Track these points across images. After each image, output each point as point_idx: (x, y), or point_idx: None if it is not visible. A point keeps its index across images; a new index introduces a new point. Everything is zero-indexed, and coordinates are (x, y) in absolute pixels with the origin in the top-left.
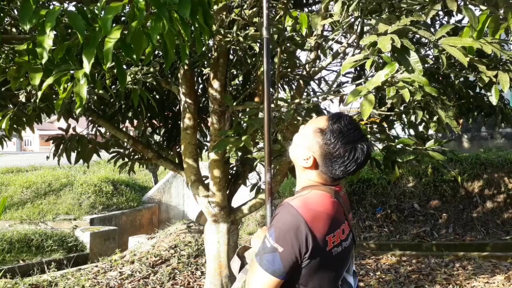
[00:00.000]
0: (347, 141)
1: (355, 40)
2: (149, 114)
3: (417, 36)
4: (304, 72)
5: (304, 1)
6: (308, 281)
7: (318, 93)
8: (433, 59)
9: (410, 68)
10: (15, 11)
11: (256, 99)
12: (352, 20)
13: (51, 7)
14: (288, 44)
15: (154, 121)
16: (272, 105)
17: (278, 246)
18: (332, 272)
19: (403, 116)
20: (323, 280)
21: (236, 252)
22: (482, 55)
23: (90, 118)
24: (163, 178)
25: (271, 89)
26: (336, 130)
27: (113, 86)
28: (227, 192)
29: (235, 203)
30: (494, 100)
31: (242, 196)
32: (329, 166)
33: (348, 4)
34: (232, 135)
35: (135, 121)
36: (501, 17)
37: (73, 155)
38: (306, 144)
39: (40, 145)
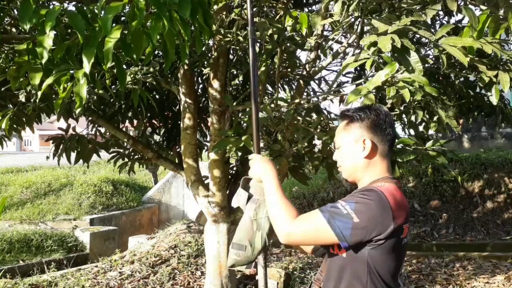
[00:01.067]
0: (362, 108)
1: (355, 40)
2: (149, 114)
3: (417, 36)
4: (304, 72)
5: (304, 1)
6: (382, 261)
7: (318, 93)
8: (433, 59)
9: (410, 68)
10: (15, 10)
11: None
12: (352, 20)
13: (51, 6)
14: (288, 44)
15: (154, 121)
16: (272, 105)
17: (355, 217)
18: (399, 260)
19: (403, 116)
20: (392, 264)
21: (240, 185)
22: (482, 55)
23: (90, 118)
24: (163, 178)
25: (271, 89)
26: (353, 110)
27: (113, 86)
28: (227, 192)
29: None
30: (494, 100)
31: None
32: (381, 130)
33: (348, 4)
34: (232, 135)
35: (135, 121)
36: (501, 17)
37: (73, 155)
38: (353, 140)
39: (40, 145)
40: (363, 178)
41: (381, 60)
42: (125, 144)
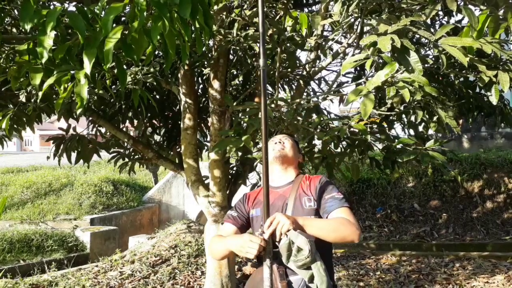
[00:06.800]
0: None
1: (355, 40)
2: (149, 114)
3: (417, 36)
4: (304, 72)
5: (304, 1)
6: None
7: (318, 93)
8: (433, 59)
9: (410, 68)
10: (16, 11)
11: (256, 99)
12: (352, 20)
13: (51, 7)
14: (288, 44)
15: (154, 121)
16: (272, 105)
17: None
18: None
19: (403, 116)
20: None
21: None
22: (482, 55)
23: (90, 118)
24: (163, 178)
25: (271, 89)
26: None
27: (113, 86)
28: (227, 192)
29: (235, 203)
30: (494, 100)
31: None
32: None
33: (348, 4)
34: (232, 135)
35: (135, 121)
36: (500, 17)
37: (74, 155)
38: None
39: (40, 145)
40: (294, 169)
41: (381, 60)
42: (126, 144)
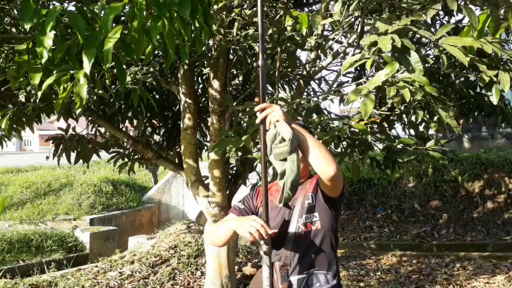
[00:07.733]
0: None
1: (356, 40)
2: (149, 114)
3: (418, 36)
4: (304, 72)
5: (304, 1)
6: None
7: (318, 93)
8: (434, 58)
9: (410, 67)
10: (15, 10)
11: (256, 99)
12: (353, 19)
13: (51, 6)
14: (288, 44)
15: (154, 121)
16: None
17: None
18: None
19: (404, 116)
20: None
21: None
22: (482, 55)
23: (90, 118)
24: (163, 178)
25: (271, 89)
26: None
27: (113, 86)
28: (227, 192)
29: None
30: (494, 100)
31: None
32: None
33: (348, 3)
34: (232, 135)
35: (135, 121)
36: (501, 16)
37: (73, 155)
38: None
39: (39, 145)
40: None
41: (381, 60)
42: (125, 144)
